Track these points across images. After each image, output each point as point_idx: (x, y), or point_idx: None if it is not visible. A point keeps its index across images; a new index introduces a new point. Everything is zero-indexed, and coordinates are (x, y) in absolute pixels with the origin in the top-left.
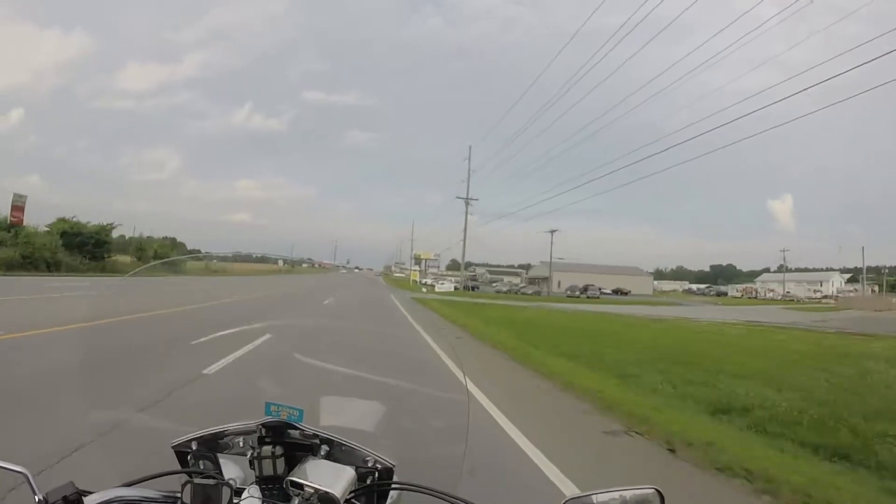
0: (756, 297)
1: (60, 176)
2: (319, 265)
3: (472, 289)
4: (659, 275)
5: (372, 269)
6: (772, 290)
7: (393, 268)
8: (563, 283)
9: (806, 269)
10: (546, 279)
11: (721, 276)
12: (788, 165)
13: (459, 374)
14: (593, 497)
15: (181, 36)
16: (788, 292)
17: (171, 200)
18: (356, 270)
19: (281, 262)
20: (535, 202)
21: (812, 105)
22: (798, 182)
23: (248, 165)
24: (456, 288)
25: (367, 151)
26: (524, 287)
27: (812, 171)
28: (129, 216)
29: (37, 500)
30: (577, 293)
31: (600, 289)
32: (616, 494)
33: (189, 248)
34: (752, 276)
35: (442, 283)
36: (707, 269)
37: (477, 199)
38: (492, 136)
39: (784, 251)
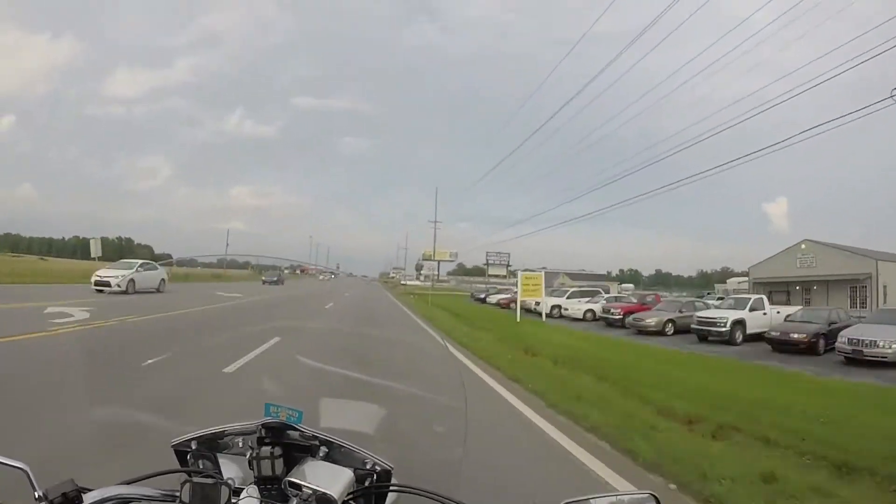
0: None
1: (53, 184)
2: (301, 271)
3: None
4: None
5: (366, 276)
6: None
7: (391, 272)
8: None
9: None
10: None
11: (710, 281)
12: (783, 168)
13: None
14: (591, 501)
15: (171, 41)
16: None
17: (163, 208)
18: (350, 277)
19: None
20: (530, 212)
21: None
22: (794, 184)
23: (241, 172)
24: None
25: (361, 158)
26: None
27: (809, 173)
28: (122, 225)
29: (36, 496)
30: None
31: None
32: (613, 499)
33: (178, 255)
34: None
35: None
36: (694, 273)
37: (441, 221)
38: (488, 144)
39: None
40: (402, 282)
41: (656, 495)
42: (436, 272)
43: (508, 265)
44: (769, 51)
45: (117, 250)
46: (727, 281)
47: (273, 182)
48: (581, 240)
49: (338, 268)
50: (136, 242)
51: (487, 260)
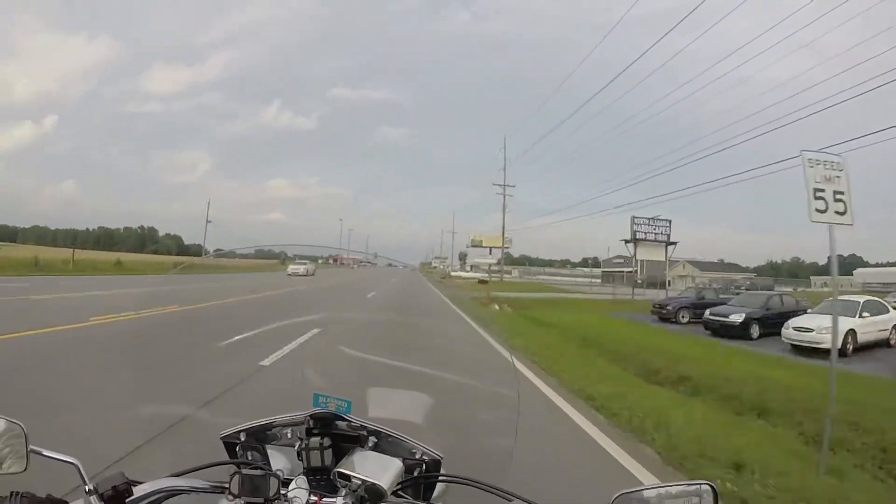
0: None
1: (95, 180)
2: (334, 260)
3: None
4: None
5: (407, 265)
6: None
7: (433, 261)
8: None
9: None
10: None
11: (779, 272)
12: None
13: None
14: (644, 492)
15: (206, 36)
16: None
17: (203, 202)
18: (390, 266)
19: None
20: (575, 199)
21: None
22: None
23: (279, 165)
24: None
25: (398, 148)
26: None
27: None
28: (164, 219)
29: (87, 489)
30: None
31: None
32: (668, 489)
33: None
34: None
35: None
36: (762, 263)
37: (514, 186)
38: (526, 130)
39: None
40: (450, 271)
41: (713, 485)
42: (490, 261)
43: (669, 240)
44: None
45: (138, 240)
46: (854, 272)
47: (310, 174)
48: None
49: (375, 257)
50: (161, 233)
51: (634, 232)
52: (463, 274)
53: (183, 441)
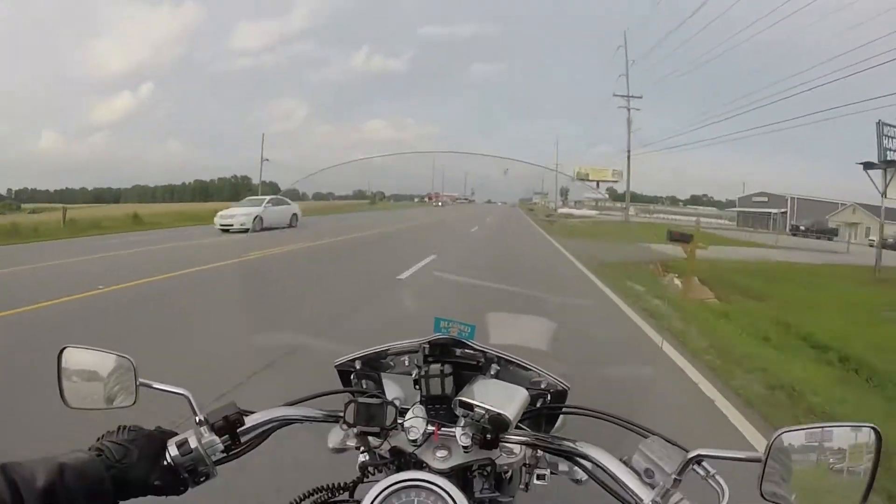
0: None
1: (197, 138)
2: (429, 198)
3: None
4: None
5: (506, 202)
6: None
7: (533, 197)
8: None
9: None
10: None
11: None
12: None
13: None
14: (806, 431)
15: None
16: None
17: (303, 147)
18: (489, 203)
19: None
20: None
21: None
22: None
23: (374, 107)
24: None
25: (495, 83)
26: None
27: None
28: (267, 165)
29: (197, 420)
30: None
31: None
32: (831, 430)
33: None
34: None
35: None
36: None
37: (640, 97)
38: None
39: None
40: (556, 208)
41: (876, 427)
42: (598, 195)
43: None
44: None
45: (232, 189)
46: None
47: (406, 114)
48: (704, 164)
49: (472, 193)
50: (255, 182)
51: (885, 150)
52: (576, 212)
53: None
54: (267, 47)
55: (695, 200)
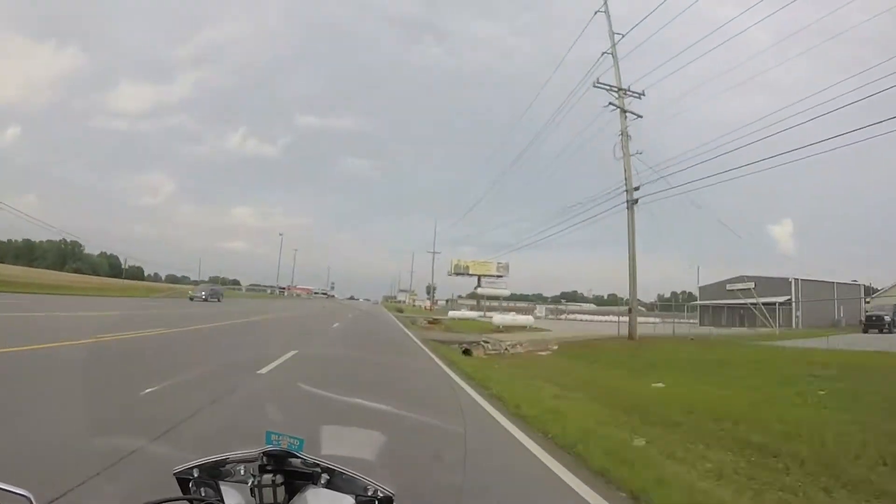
0: None
1: (57, 195)
2: (284, 290)
3: None
4: None
5: (369, 299)
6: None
7: (398, 295)
8: None
9: None
10: None
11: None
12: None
13: None
14: None
15: (175, 53)
16: None
17: (165, 225)
18: (352, 300)
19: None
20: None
21: None
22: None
23: (244, 192)
24: None
25: (365, 179)
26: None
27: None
28: (125, 240)
29: None
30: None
31: None
32: None
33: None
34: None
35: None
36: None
37: (440, 253)
38: (493, 163)
39: None
40: (433, 306)
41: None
42: (501, 291)
43: None
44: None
45: (59, 254)
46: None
47: (275, 202)
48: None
49: (332, 288)
50: (86, 251)
51: None
52: (466, 313)
53: None
54: (143, 113)
55: (567, 297)
